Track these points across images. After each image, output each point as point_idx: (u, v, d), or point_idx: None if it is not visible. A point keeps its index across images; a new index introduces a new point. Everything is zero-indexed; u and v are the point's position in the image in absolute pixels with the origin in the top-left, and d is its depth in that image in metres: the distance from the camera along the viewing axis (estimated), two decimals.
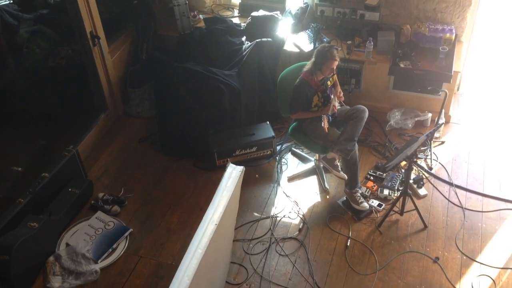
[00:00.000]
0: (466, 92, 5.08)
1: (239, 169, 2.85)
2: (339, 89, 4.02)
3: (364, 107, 3.84)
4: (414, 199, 3.96)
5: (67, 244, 3.86)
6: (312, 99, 3.87)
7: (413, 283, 3.49)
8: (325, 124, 3.58)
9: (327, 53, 3.66)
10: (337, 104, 3.95)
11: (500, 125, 4.67)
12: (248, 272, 3.64)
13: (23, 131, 4.53)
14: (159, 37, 5.13)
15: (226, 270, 3.52)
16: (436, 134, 4.57)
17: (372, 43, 4.49)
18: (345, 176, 3.94)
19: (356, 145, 3.81)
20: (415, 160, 3.69)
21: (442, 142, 4.55)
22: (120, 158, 4.63)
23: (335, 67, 3.73)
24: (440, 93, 4.09)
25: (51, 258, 3.72)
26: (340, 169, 3.96)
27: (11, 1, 5.02)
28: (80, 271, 3.66)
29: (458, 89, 5.08)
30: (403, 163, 4.24)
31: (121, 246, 3.86)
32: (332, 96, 3.90)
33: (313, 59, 3.76)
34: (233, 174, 2.82)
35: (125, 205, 4.18)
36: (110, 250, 3.82)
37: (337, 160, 3.93)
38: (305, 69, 3.85)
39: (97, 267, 3.70)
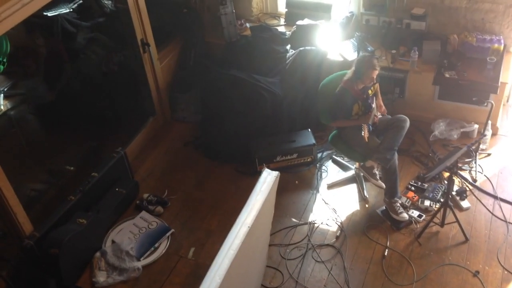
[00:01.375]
0: None
1: (274, 174, 2.92)
2: (380, 100, 4.02)
3: (405, 117, 3.83)
4: (456, 211, 3.91)
5: (113, 241, 4.04)
6: (352, 108, 3.90)
7: None
8: (365, 133, 3.60)
9: (367, 63, 3.68)
10: (378, 113, 3.95)
11: None
12: (284, 276, 3.69)
13: (76, 132, 4.79)
14: (206, 45, 5.30)
15: (262, 274, 3.59)
16: (483, 146, 4.47)
17: (417, 52, 4.46)
18: (383, 185, 3.93)
19: (396, 154, 3.80)
20: (457, 171, 3.63)
21: (489, 154, 4.45)
22: (166, 160, 4.80)
23: (375, 76, 3.74)
24: (486, 104, 4.01)
25: (98, 254, 3.91)
26: (378, 177, 3.96)
27: (71, 10, 5.31)
28: (123, 267, 3.83)
29: (507, 101, 4.95)
30: (446, 174, 4.19)
31: (163, 246, 4.01)
32: (373, 106, 3.91)
33: (353, 68, 3.79)
34: (268, 178, 2.90)
35: (168, 206, 4.33)
36: (152, 248, 3.97)
37: (376, 169, 3.93)
38: (345, 77, 3.88)
39: (140, 264, 3.86)
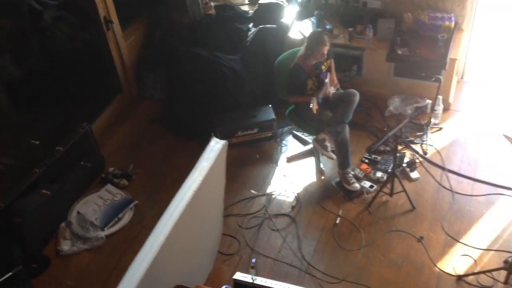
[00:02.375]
0: (470, 80, 5.13)
1: (222, 142, 3.09)
2: (334, 74, 4.18)
3: (355, 91, 4.00)
4: (405, 181, 4.13)
5: (78, 213, 4.19)
6: (306, 83, 4.05)
7: (395, 260, 3.65)
8: (314, 105, 3.76)
9: (318, 38, 3.84)
10: (331, 89, 4.11)
11: (501, 114, 4.71)
12: (241, 244, 3.88)
13: (43, 108, 4.88)
14: (172, 23, 5.38)
15: (218, 241, 3.77)
16: (435, 120, 4.67)
17: (371, 30, 4.61)
18: (334, 156, 4.12)
19: (347, 127, 3.99)
20: (408, 144, 3.82)
21: (440, 129, 4.65)
22: (132, 136, 4.94)
23: (326, 52, 3.89)
24: (434, 79, 4.19)
25: (63, 224, 4.06)
26: (329, 149, 4.14)
27: None
28: (87, 236, 4.00)
29: (462, 77, 5.14)
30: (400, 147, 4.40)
31: (127, 216, 4.18)
32: (326, 81, 4.07)
33: (305, 44, 3.94)
34: (215, 147, 3.06)
35: (133, 180, 4.48)
36: (116, 219, 4.13)
37: (327, 141, 4.11)
38: (299, 54, 4.03)
39: (103, 234, 4.02)
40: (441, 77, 4.20)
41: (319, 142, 4.10)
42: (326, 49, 3.87)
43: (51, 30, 5.23)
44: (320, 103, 3.83)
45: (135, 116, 5.15)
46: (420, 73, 4.43)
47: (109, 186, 4.39)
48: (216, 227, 3.64)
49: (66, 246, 3.95)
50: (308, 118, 4.09)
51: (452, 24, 4.55)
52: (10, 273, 3.34)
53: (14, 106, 5.04)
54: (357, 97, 3.98)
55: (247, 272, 3.51)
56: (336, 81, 4.19)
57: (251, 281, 2.34)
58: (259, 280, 2.35)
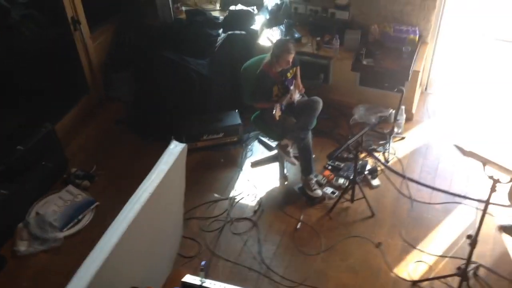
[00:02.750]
0: (434, 92, 5.26)
1: (182, 146, 3.08)
2: (299, 81, 4.24)
3: (319, 99, 4.06)
4: (366, 188, 4.20)
5: (37, 213, 4.13)
6: (272, 90, 4.09)
7: (353, 265, 3.70)
8: (276, 112, 3.79)
9: (283, 46, 3.88)
10: (297, 95, 4.16)
11: (462, 125, 4.84)
12: (201, 247, 3.88)
13: (6, 107, 4.81)
14: (142, 26, 5.38)
15: (177, 243, 3.75)
16: (398, 130, 4.77)
17: (338, 40, 4.70)
18: (295, 162, 4.16)
19: (310, 134, 4.04)
20: (362, 150, 3.89)
21: (403, 138, 4.75)
22: (97, 137, 4.90)
23: (291, 60, 3.94)
24: (397, 89, 4.28)
25: (20, 225, 3.99)
26: (291, 155, 4.18)
27: None
28: (45, 237, 3.93)
29: (426, 89, 5.27)
30: (363, 155, 4.48)
31: (87, 218, 4.13)
32: (291, 88, 4.12)
33: (271, 51, 3.98)
34: (174, 150, 3.05)
35: (95, 181, 4.44)
36: (76, 220, 4.08)
37: (289, 147, 4.15)
38: (265, 60, 4.07)
39: (62, 235, 3.97)
40: (403, 88, 4.30)
41: (282, 148, 4.14)
42: (291, 57, 3.92)
43: (18, 28, 5.17)
44: (283, 109, 3.87)
45: (101, 117, 5.12)
46: (384, 84, 4.53)
47: (70, 187, 4.34)
48: (176, 230, 3.63)
49: (23, 246, 3.88)
50: (272, 124, 4.12)
51: (417, 37, 4.67)
52: None
53: None
54: (320, 105, 4.04)
55: (206, 276, 3.54)
56: (301, 86, 4.23)
57: (199, 283, 2.34)
58: (208, 283, 2.36)
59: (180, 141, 4.49)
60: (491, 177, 2.81)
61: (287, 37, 4.79)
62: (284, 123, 4.03)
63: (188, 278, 2.37)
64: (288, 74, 4.14)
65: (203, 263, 2.39)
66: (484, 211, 3.02)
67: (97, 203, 4.21)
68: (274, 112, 3.81)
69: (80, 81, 5.08)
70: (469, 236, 3.15)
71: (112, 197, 4.30)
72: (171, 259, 3.63)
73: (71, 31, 4.73)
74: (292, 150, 4.16)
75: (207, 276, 3.43)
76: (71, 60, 4.96)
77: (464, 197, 4.08)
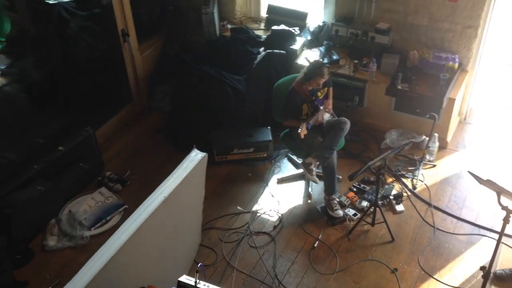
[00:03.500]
0: (473, 122, 5.13)
1: (202, 154, 3.21)
2: (330, 101, 4.28)
3: (347, 120, 4.08)
4: (389, 213, 4.16)
5: (70, 211, 4.36)
6: (301, 108, 4.16)
7: None
8: (302, 130, 3.84)
9: (317, 69, 3.94)
10: (326, 116, 4.20)
11: (498, 158, 4.68)
12: (218, 257, 3.96)
13: (54, 110, 5.15)
14: (188, 41, 5.63)
15: (194, 250, 3.87)
16: (430, 157, 4.69)
17: (375, 64, 4.71)
18: (317, 180, 4.19)
19: (335, 153, 4.06)
20: (384, 173, 3.86)
21: (434, 166, 4.66)
22: (135, 144, 5.13)
23: (321, 83, 4.00)
24: (429, 116, 4.23)
25: (53, 221, 4.24)
26: (314, 173, 4.20)
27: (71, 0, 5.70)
28: (74, 235, 4.15)
29: (465, 118, 5.15)
30: (390, 179, 4.45)
31: (114, 219, 4.32)
32: (321, 107, 4.17)
33: (305, 70, 4.05)
34: (195, 158, 3.19)
35: (127, 185, 4.64)
36: (104, 221, 4.28)
37: (313, 165, 4.18)
38: (297, 79, 4.15)
39: (89, 233, 4.17)
40: (435, 115, 4.24)
41: (305, 165, 4.18)
42: (322, 81, 3.98)
43: (75, 39, 5.55)
44: (309, 128, 3.92)
45: (141, 125, 5.35)
46: (416, 109, 4.49)
47: (103, 189, 4.56)
48: (193, 236, 3.75)
49: (52, 241, 4.11)
50: (299, 141, 4.17)
51: (456, 65, 4.60)
52: None
53: (31, 106, 5.36)
54: (348, 125, 4.06)
55: (218, 284, 3.62)
56: (331, 108, 4.27)
57: (193, 284, 2.43)
58: (202, 284, 2.43)
59: (211, 153, 4.69)
60: (505, 208, 2.74)
61: (324, 60, 4.85)
62: (311, 142, 4.08)
63: (183, 278, 2.45)
64: (319, 94, 4.19)
65: (199, 265, 2.46)
66: (498, 242, 2.93)
67: (126, 206, 4.39)
68: (299, 130, 3.86)
69: (125, 90, 5.35)
70: (482, 268, 3.05)
71: (140, 202, 4.36)
72: (186, 265, 3.74)
73: (120, 43, 5.00)
74: (315, 169, 4.19)
75: (220, 284, 3.54)
76: (118, 70, 5.25)
77: (489, 229, 3.94)
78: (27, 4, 5.35)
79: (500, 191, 2.71)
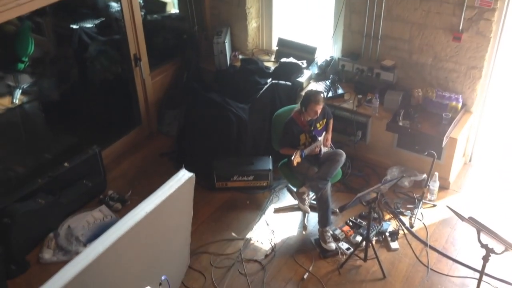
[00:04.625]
0: (478, 164, 5.06)
1: (189, 175, 3.27)
2: (329, 134, 4.32)
3: (342, 152, 4.11)
4: (383, 250, 4.12)
5: (68, 226, 4.45)
6: (299, 137, 4.20)
7: None
8: (295, 158, 3.88)
9: (311, 97, 4.01)
10: (324, 148, 4.24)
11: (501, 203, 4.59)
12: (206, 281, 3.96)
13: (64, 127, 5.33)
14: (200, 70, 5.78)
15: (183, 272, 3.88)
16: (431, 197, 4.64)
17: (378, 99, 4.74)
18: (308, 210, 4.19)
19: (329, 184, 4.07)
20: (375, 207, 3.84)
21: (434, 205, 4.60)
22: (140, 166, 5.24)
23: (318, 111, 4.05)
24: (427, 153, 4.21)
25: (51, 234, 4.34)
26: (306, 203, 4.20)
27: (94, 25, 5.96)
28: (69, 249, 4.23)
29: (470, 160, 5.09)
30: (388, 216, 4.41)
31: None
32: (319, 138, 4.21)
33: (301, 100, 4.12)
34: (182, 178, 3.24)
35: (127, 205, 4.72)
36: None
37: (306, 195, 4.18)
38: (296, 108, 4.22)
39: (83, 250, 4.21)
40: (434, 153, 4.22)
41: (298, 195, 4.20)
42: (318, 108, 4.03)
43: (92, 62, 5.78)
44: (303, 156, 3.95)
45: (148, 148, 5.47)
46: (415, 146, 4.48)
47: (104, 207, 4.65)
48: (180, 258, 3.77)
49: (47, 254, 4.19)
50: (295, 170, 4.21)
51: (459, 105, 4.59)
52: None
53: (45, 123, 5.56)
54: (343, 158, 4.08)
55: None
56: (329, 140, 4.31)
57: None
58: None
59: (212, 179, 4.74)
60: (484, 246, 2.69)
61: (329, 94, 4.91)
62: (306, 172, 4.11)
63: None
64: (318, 125, 4.24)
65: (163, 277, 2.49)
66: (479, 282, 2.87)
67: None
68: (293, 158, 3.89)
69: (134, 113, 5.50)
70: None
71: None
72: (173, 285, 3.74)
73: (132, 67, 5.17)
74: (308, 199, 4.20)
75: None
76: (129, 94, 5.41)
77: (486, 274, 3.82)
78: (52, 27, 5.61)
79: (480, 228, 2.67)
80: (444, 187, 4.74)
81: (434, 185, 4.58)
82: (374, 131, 4.92)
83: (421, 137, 4.50)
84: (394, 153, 4.93)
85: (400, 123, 4.58)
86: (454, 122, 4.50)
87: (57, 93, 5.71)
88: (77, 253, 4.18)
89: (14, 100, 5.45)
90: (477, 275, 3.85)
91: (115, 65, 5.67)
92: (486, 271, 3.25)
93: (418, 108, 4.76)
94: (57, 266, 4.05)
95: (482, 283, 3.44)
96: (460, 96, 4.62)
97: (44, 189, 4.43)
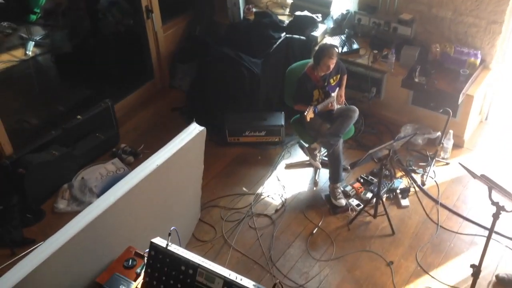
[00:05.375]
0: (494, 122, 4.98)
1: (200, 128, 3.26)
2: (343, 89, 4.25)
3: (356, 108, 4.05)
4: (394, 207, 4.12)
5: (82, 178, 4.52)
6: (312, 93, 4.14)
7: (358, 277, 3.65)
8: (308, 113, 3.84)
9: (325, 51, 3.92)
10: (337, 104, 4.18)
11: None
12: (217, 234, 4.02)
13: (78, 80, 5.33)
14: (213, 23, 5.68)
15: (193, 225, 3.94)
16: (444, 155, 4.59)
17: (394, 55, 4.63)
18: (319, 166, 4.18)
19: (341, 141, 4.04)
20: (385, 164, 3.81)
21: (447, 163, 4.56)
22: (152, 120, 5.24)
23: (332, 65, 3.97)
24: (441, 110, 4.14)
25: (65, 185, 4.40)
26: (317, 159, 4.19)
27: None
28: (83, 200, 4.31)
29: (486, 118, 5.01)
30: (399, 173, 4.39)
31: None
32: (332, 94, 4.15)
33: (314, 55, 4.04)
34: (193, 131, 3.24)
35: (139, 158, 4.75)
36: None
37: (317, 151, 4.16)
38: (309, 63, 4.14)
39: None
40: (449, 110, 4.15)
41: (310, 151, 4.18)
42: (332, 62, 3.95)
43: (104, 14, 5.70)
44: (316, 112, 3.91)
45: (160, 102, 5.46)
46: (430, 103, 4.40)
47: (116, 160, 4.69)
48: (191, 210, 3.81)
49: (62, 204, 4.27)
50: (307, 127, 4.17)
51: (477, 61, 4.47)
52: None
53: (58, 75, 5.57)
54: (356, 114, 4.03)
55: (213, 260, 3.67)
56: (343, 97, 4.24)
57: (165, 246, 2.49)
58: (173, 247, 2.50)
59: (224, 134, 4.74)
60: (495, 203, 2.67)
61: (343, 49, 4.81)
62: (318, 128, 4.07)
63: (156, 240, 2.53)
64: (331, 80, 4.17)
65: (172, 228, 2.53)
66: (488, 240, 2.86)
67: None
68: (305, 113, 3.85)
69: (147, 67, 5.46)
70: (472, 266, 2.98)
71: None
72: (183, 237, 3.80)
73: (144, 20, 5.10)
74: (319, 155, 4.18)
75: (215, 260, 3.59)
76: (141, 47, 5.36)
77: (496, 232, 3.83)
78: None
79: (491, 186, 2.64)
80: (458, 145, 4.69)
81: (448, 143, 4.52)
82: (389, 88, 4.84)
83: (437, 94, 4.41)
84: (409, 110, 4.85)
85: (416, 80, 4.48)
86: (471, 79, 4.39)
87: (70, 46, 5.68)
88: (90, 203, 4.24)
89: (27, 52, 5.46)
90: (486, 233, 3.85)
91: (127, 17, 5.58)
92: (496, 229, 3.22)
93: (435, 64, 4.64)
94: (71, 215, 4.09)
95: (491, 241, 3.45)
96: (479, 52, 4.49)
97: (58, 141, 4.47)
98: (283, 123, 4.76)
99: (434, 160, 4.49)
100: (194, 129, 3.24)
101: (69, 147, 4.50)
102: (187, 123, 5.02)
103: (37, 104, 5.23)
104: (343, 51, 4.85)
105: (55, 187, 4.39)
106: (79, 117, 4.66)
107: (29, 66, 5.53)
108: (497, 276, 3.58)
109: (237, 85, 4.86)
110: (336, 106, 4.18)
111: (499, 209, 2.63)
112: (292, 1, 5.57)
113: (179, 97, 5.53)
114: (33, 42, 5.55)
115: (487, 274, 3.60)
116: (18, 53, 5.40)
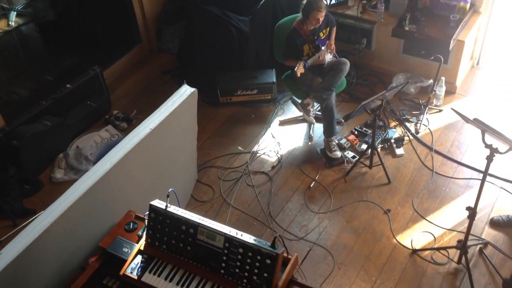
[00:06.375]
0: (486, 67, 4.97)
1: (191, 90, 3.24)
2: (332, 42, 4.21)
3: (347, 60, 4.02)
4: (389, 156, 4.15)
5: (77, 147, 4.51)
6: (303, 48, 4.10)
7: (357, 227, 3.71)
8: (299, 69, 3.82)
9: (313, 4, 3.86)
10: (328, 56, 4.15)
11: (508, 106, 4.55)
12: (215, 194, 4.05)
13: (64, 48, 5.24)
14: None
15: (191, 186, 3.97)
16: (437, 102, 4.60)
17: (383, 3, 4.57)
18: (314, 121, 4.19)
19: (334, 94, 4.03)
20: (379, 114, 3.82)
21: (440, 110, 4.57)
22: (142, 85, 5.20)
23: (320, 18, 3.91)
24: (433, 57, 4.12)
25: (61, 155, 4.40)
26: (311, 114, 4.19)
27: None
28: (79, 168, 4.31)
29: (477, 63, 4.99)
30: (393, 123, 4.40)
31: None
32: (322, 48, 4.11)
33: (302, 9, 3.98)
34: (184, 93, 3.22)
35: (133, 124, 4.74)
36: None
37: (310, 106, 4.16)
38: (298, 19, 4.08)
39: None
40: (440, 57, 4.13)
41: (303, 106, 4.17)
42: (320, 15, 3.89)
43: None
44: (306, 67, 3.88)
45: (149, 66, 5.39)
46: (421, 51, 4.37)
47: (109, 127, 4.68)
48: (188, 172, 3.83)
49: (59, 174, 4.28)
50: (299, 82, 4.15)
51: (467, 6, 4.42)
52: None
53: (44, 44, 5.48)
54: (347, 66, 4.00)
55: (214, 219, 3.72)
56: (333, 47, 4.20)
57: (164, 207, 2.52)
58: (172, 208, 2.52)
59: (216, 94, 4.71)
60: (489, 146, 2.70)
61: (332, 1, 4.73)
62: (310, 83, 4.06)
63: (155, 202, 2.55)
64: (321, 34, 4.12)
65: (170, 189, 2.55)
66: (483, 182, 2.91)
67: None
68: (296, 69, 3.83)
69: (134, 31, 5.37)
70: (468, 208, 3.04)
71: None
72: (182, 199, 3.83)
73: None
74: (313, 110, 4.18)
75: (215, 219, 3.64)
76: (126, 10, 5.25)
77: (491, 174, 3.88)
78: None
79: (484, 129, 2.66)
80: (450, 91, 4.70)
81: (441, 90, 4.53)
82: (380, 38, 4.80)
83: (428, 41, 4.38)
84: (400, 59, 4.83)
85: (406, 28, 4.43)
86: (462, 24, 4.36)
87: (53, 13, 5.57)
88: (87, 171, 4.26)
89: (10, 23, 5.35)
90: (481, 176, 3.91)
91: None
92: (490, 171, 3.27)
93: (425, 11, 4.59)
94: (69, 184, 4.09)
95: (486, 183, 3.51)
96: None
97: (49, 111, 4.44)
98: (274, 80, 4.73)
99: (427, 108, 4.50)
100: (186, 91, 3.22)
101: (61, 117, 4.47)
102: (178, 86, 5.07)
103: (25, 75, 5.16)
104: (331, 3, 4.79)
105: (51, 157, 4.39)
106: (68, 86, 4.61)
107: (13, 37, 5.44)
108: (491, 220, 3.65)
109: (226, 44, 4.79)
110: (327, 59, 4.15)
111: (493, 151, 2.66)
112: None
113: (169, 60, 5.47)
114: (15, 12, 5.43)
115: (483, 216, 3.67)
116: (1, 24, 5.30)
